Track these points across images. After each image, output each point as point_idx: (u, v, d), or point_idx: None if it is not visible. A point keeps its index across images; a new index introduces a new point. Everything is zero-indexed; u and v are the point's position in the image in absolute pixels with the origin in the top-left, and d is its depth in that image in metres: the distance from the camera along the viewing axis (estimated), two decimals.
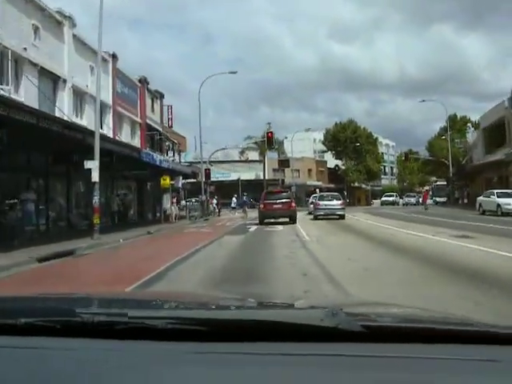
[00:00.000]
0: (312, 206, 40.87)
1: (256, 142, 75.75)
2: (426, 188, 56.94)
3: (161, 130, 45.41)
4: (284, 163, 76.94)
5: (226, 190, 78.30)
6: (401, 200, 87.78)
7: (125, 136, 35.52)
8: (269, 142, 45.77)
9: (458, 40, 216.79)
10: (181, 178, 36.08)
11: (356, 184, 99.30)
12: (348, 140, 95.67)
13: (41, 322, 1.52)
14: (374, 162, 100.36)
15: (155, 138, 44.32)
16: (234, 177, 77.97)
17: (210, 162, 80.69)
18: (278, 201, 31.86)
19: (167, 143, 47.29)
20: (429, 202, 59.03)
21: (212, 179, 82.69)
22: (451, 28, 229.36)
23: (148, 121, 41.66)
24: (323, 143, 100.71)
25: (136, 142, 37.99)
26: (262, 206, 32.03)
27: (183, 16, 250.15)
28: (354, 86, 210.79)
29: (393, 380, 1.21)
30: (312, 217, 37.86)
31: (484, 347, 1.40)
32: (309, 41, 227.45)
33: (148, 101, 41.96)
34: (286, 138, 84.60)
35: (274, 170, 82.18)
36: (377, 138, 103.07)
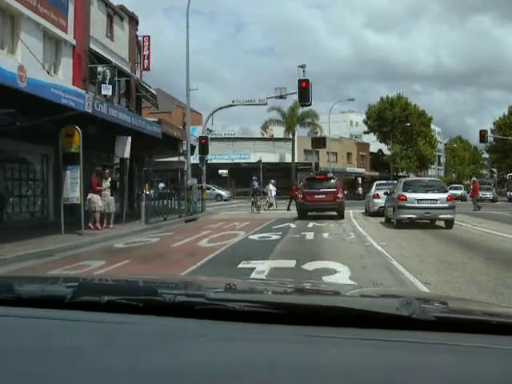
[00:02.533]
0: (370, 200, 26.49)
1: (282, 113, 58.51)
2: (474, 179, 37.83)
3: (128, 70, 28.13)
4: (319, 142, 59.39)
5: (242, 175, 61.50)
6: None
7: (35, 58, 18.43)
8: (303, 96, 28.64)
9: (496, 31, 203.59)
10: (128, 141, 18.68)
11: (403, 173, 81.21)
12: (396, 119, 78.30)
13: (123, 299, 1.58)
14: (427, 146, 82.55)
15: (120, 84, 27.30)
16: (253, 159, 60.88)
17: (219, 138, 64.76)
18: (322, 190, 24.50)
19: (145, 95, 30.01)
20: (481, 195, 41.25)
21: (225, 161, 66.89)
22: (490, 18, 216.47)
23: (99, 49, 24.40)
24: (365, 122, 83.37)
25: (65, 75, 20.86)
26: (301, 196, 24.95)
27: (214, 3, 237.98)
28: (388, 77, 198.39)
29: (464, 365, 1.24)
30: (374, 221, 22.32)
31: None
32: (343, 29, 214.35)
33: (97, 16, 24.63)
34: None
35: (306, 151, 64.87)
36: (431, 118, 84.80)
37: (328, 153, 63.79)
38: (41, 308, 1.60)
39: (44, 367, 1.22)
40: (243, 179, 63.07)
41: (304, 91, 28.83)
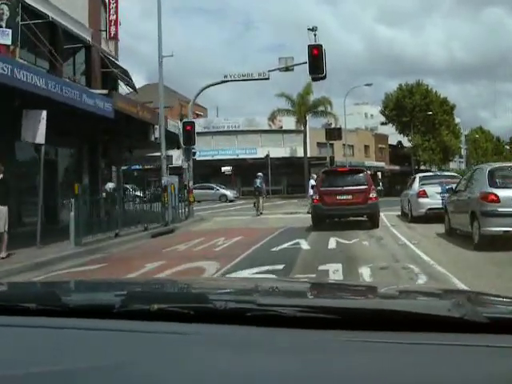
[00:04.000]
0: (412, 200, 19.30)
1: (291, 100, 51.66)
2: None
3: (89, 39, 21.49)
4: (334, 134, 52.57)
5: (248, 173, 54.74)
6: None
7: None
8: (315, 65, 22.26)
9: (509, 22, 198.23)
10: (42, 118, 11.76)
11: (426, 166, 74.15)
12: (417, 108, 71.29)
13: (173, 307, 1.55)
14: (451, 136, 75.43)
15: (77, 54, 20.88)
16: (260, 153, 54.25)
17: (221, 131, 58.15)
18: (347, 188, 17.17)
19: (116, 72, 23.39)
20: None
21: (229, 157, 60.20)
22: (503, 10, 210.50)
23: (41, 7, 17.75)
24: (382, 112, 76.38)
25: None
26: (316, 196, 17.77)
27: (223, 1, 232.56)
28: (401, 72, 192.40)
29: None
30: (427, 231, 15.81)
31: None
32: (354, 25, 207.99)
33: None
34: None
35: (319, 144, 58.13)
36: (454, 106, 77.58)
37: (344, 145, 57.03)
38: (89, 318, 1.56)
39: (97, 381, 1.21)
40: (250, 177, 56.10)
41: (316, 60, 22.29)
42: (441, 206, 17.01)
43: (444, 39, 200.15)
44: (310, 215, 18.82)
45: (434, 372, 1.20)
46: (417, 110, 71.76)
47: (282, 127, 57.26)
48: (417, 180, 20.05)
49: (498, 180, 10.88)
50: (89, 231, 13.60)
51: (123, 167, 30.46)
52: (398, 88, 74.75)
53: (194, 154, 24.85)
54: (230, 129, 57.99)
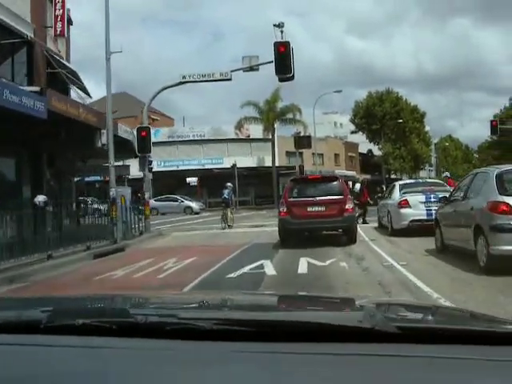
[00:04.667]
0: (392, 211, 16.98)
1: (258, 108, 49.65)
2: (447, 174, 29.11)
3: (30, 35, 19.16)
4: (303, 142, 50.80)
5: (214, 183, 52.59)
6: None
7: None
8: (282, 64, 20.27)
9: (476, 34, 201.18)
10: None
11: (397, 175, 72.74)
12: (387, 115, 69.98)
13: (97, 322, 1.56)
14: (422, 144, 74.29)
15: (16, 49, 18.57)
16: (227, 163, 52.06)
17: (186, 140, 55.45)
18: (320, 198, 14.79)
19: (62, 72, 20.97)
20: None
21: (194, 167, 57.88)
22: (470, 21, 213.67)
23: None
24: (352, 120, 74.83)
25: None
26: (284, 209, 15.10)
27: (194, 13, 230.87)
28: (370, 82, 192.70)
29: (424, 379, 1.24)
30: (413, 247, 13.66)
31: None
32: (324, 36, 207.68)
33: None
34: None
35: (288, 153, 56.22)
36: (424, 114, 76.48)
37: (314, 154, 55.11)
38: (16, 334, 1.57)
39: None
40: (216, 188, 53.93)
41: (283, 58, 20.30)
42: (425, 218, 15.05)
43: (412, 50, 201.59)
44: (272, 228, 16.74)
45: (341, 383, 1.22)
46: (387, 118, 70.53)
47: (249, 136, 55.17)
48: (396, 188, 17.86)
49: (508, 186, 8.68)
50: (10, 254, 11.23)
51: (76, 178, 27.92)
52: (368, 96, 73.41)
53: (151, 163, 22.46)
54: (196, 138, 55.70)
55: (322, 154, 61.29)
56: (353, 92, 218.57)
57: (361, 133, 74.33)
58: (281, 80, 22.01)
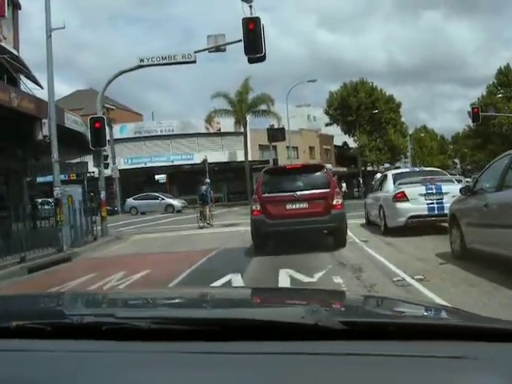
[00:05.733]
0: (386, 205, 14.28)
1: (229, 100, 47.20)
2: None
3: None
4: (277, 134, 48.37)
5: (185, 180, 50.03)
6: None
7: None
8: (251, 43, 17.99)
9: (447, 26, 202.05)
10: None
11: (373, 167, 70.83)
12: (362, 106, 68.06)
13: (32, 324, 1.52)
14: (399, 135, 72.42)
15: None
16: (198, 159, 49.57)
17: (154, 135, 52.65)
18: (300, 193, 12.05)
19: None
20: None
21: (163, 163, 55.09)
22: (441, 14, 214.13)
23: None
24: (326, 112, 72.66)
25: None
26: (256, 207, 12.25)
27: (163, 10, 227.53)
28: (342, 75, 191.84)
29: (366, 378, 1.20)
30: (420, 252, 10.78)
31: (463, 344, 1.32)
32: (295, 30, 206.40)
33: None
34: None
35: (261, 146, 53.87)
36: (400, 104, 74.64)
37: (288, 147, 52.81)
38: None
39: None
40: (187, 185, 51.57)
41: (252, 36, 17.98)
42: (426, 213, 12.75)
43: (383, 43, 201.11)
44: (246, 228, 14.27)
45: (285, 382, 1.19)
46: (362, 109, 68.69)
47: (220, 130, 52.67)
48: (389, 179, 15.35)
49: None
50: None
51: (28, 178, 25.11)
52: (342, 86, 71.37)
53: (106, 158, 19.89)
54: (164, 133, 52.95)
55: (297, 147, 59.07)
56: (324, 86, 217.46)
57: (335, 125, 72.43)
58: (251, 61, 19.50)
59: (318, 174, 12.62)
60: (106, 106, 47.44)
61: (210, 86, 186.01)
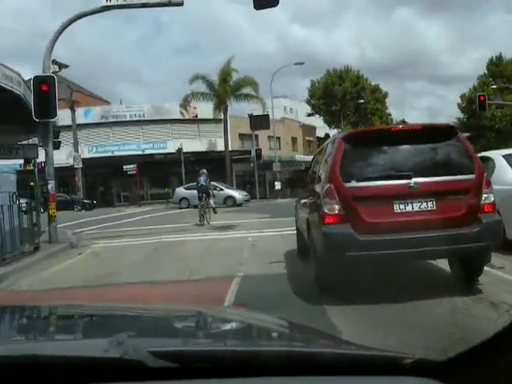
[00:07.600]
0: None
1: (209, 82, 41.96)
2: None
3: None
4: (261, 122, 43.64)
5: (157, 172, 44.70)
6: None
7: None
8: None
9: (419, 23, 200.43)
10: None
11: None
12: (347, 95, 63.77)
13: None
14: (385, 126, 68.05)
15: None
16: (172, 148, 44.24)
17: (122, 121, 46.56)
18: (419, 180, 6.06)
19: None
20: None
21: (133, 152, 49.09)
22: (414, 11, 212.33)
23: None
24: (308, 102, 68.00)
25: None
26: (333, 208, 6.06)
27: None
28: (315, 71, 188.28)
29: None
30: None
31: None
32: (269, 24, 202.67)
33: None
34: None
35: (242, 135, 48.89)
36: (386, 94, 70.45)
37: (271, 137, 47.85)
38: None
39: None
40: (160, 177, 46.17)
41: None
42: None
43: (357, 38, 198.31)
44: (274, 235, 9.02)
45: None
46: (347, 98, 64.51)
47: (196, 116, 47.31)
48: (502, 163, 9.54)
49: None
50: None
51: None
52: (327, 74, 66.71)
53: (58, 134, 14.54)
54: (134, 118, 47.27)
55: (279, 138, 54.00)
56: (299, 81, 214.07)
57: (317, 115, 67.80)
58: (258, 6, 14.52)
59: (449, 144, 6.76)
60: (69, 86, 41.86)
61: (185, 76, 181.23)
